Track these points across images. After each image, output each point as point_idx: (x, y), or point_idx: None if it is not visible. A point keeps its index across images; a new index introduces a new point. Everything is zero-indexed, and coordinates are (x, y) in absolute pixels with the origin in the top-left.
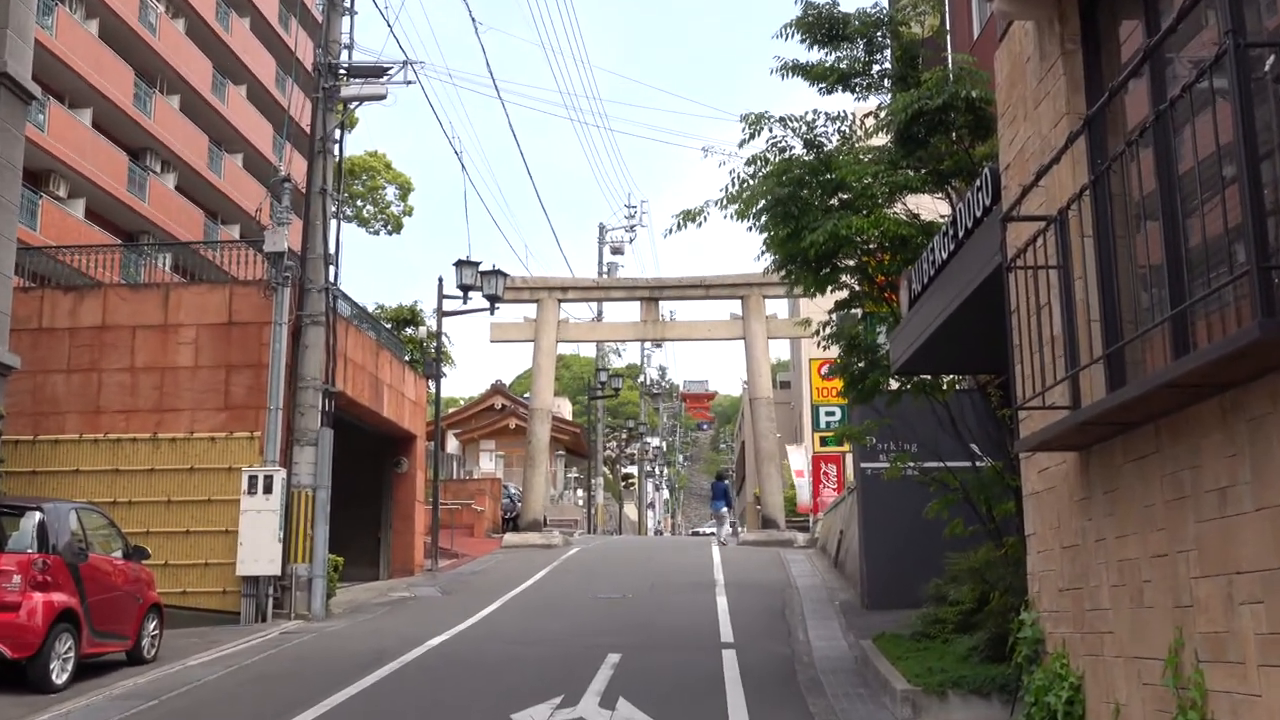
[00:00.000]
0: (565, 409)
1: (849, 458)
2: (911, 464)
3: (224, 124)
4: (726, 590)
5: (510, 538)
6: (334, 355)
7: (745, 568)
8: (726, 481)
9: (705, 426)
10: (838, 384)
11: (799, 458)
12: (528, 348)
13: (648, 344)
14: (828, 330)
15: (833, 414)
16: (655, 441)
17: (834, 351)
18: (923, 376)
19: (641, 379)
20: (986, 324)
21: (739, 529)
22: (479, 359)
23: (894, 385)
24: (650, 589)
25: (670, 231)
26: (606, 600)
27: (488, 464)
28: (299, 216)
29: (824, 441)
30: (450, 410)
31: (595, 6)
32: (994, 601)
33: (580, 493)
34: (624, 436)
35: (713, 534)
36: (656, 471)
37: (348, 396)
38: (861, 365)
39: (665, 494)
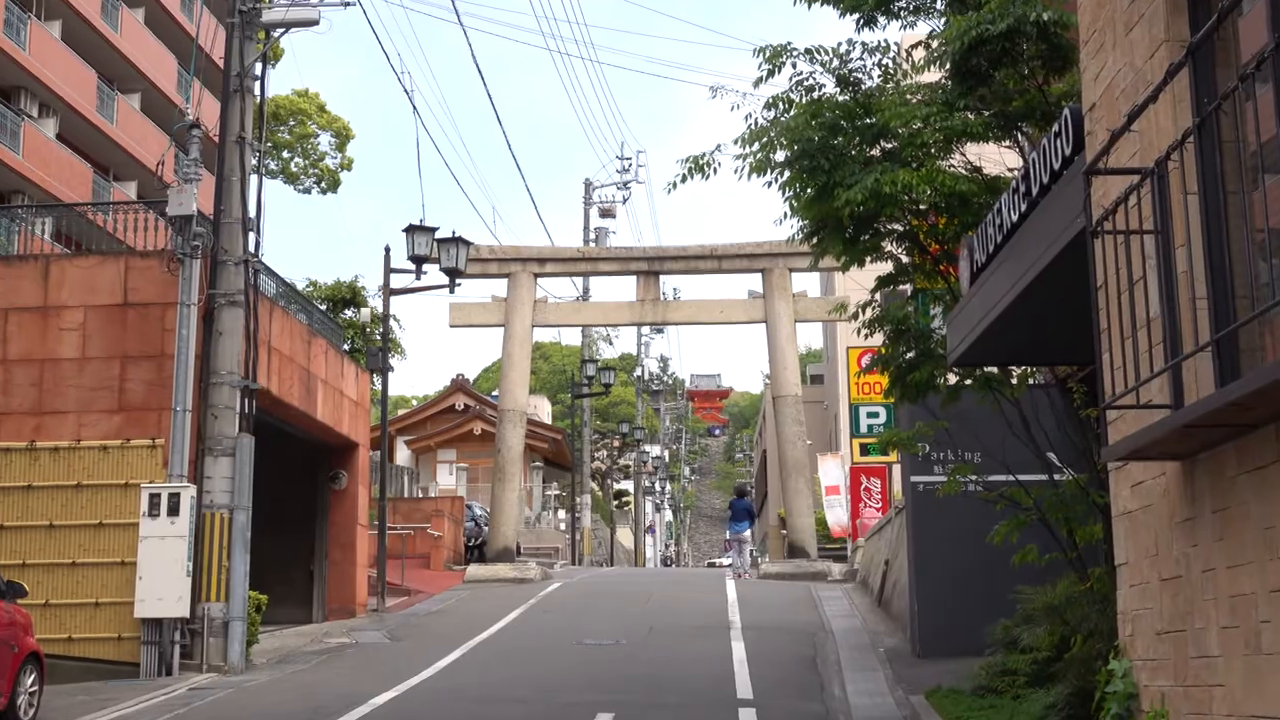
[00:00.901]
0: (543, 410)
1: (896, 470)
2: (973, 477)
3: (117, 56)
4: (744, 634)
5: (475, 570)
6: (255, 344)
7: (768, 606)
8: (749, 498)
9: (717, 431)
10: (882, 379)
11: (834, 470)
12: (496, 334)
13: (646, 329)
14: (869, 312)
15: (876, 416)
16: (655, 451)
17: (877, 339)
18: (988, 369)
19: (638, 373)
20: (1067, 303)
21: (759, 558)
22: (436, 349)
23: (952, 380)
24: (649, 633)
25: (673, 186)
26: (595, 648)
27: (447, 479)
28: (211, 172)
29: (865, 450)
30: (401, 412)
31: None
32: (1076, 647)
33: (562, 514)
34: (616, 445)
35: (731, 565)
36: (657, 488)
37: (273, 395)
38: (911, 355)
39: (668, 515)
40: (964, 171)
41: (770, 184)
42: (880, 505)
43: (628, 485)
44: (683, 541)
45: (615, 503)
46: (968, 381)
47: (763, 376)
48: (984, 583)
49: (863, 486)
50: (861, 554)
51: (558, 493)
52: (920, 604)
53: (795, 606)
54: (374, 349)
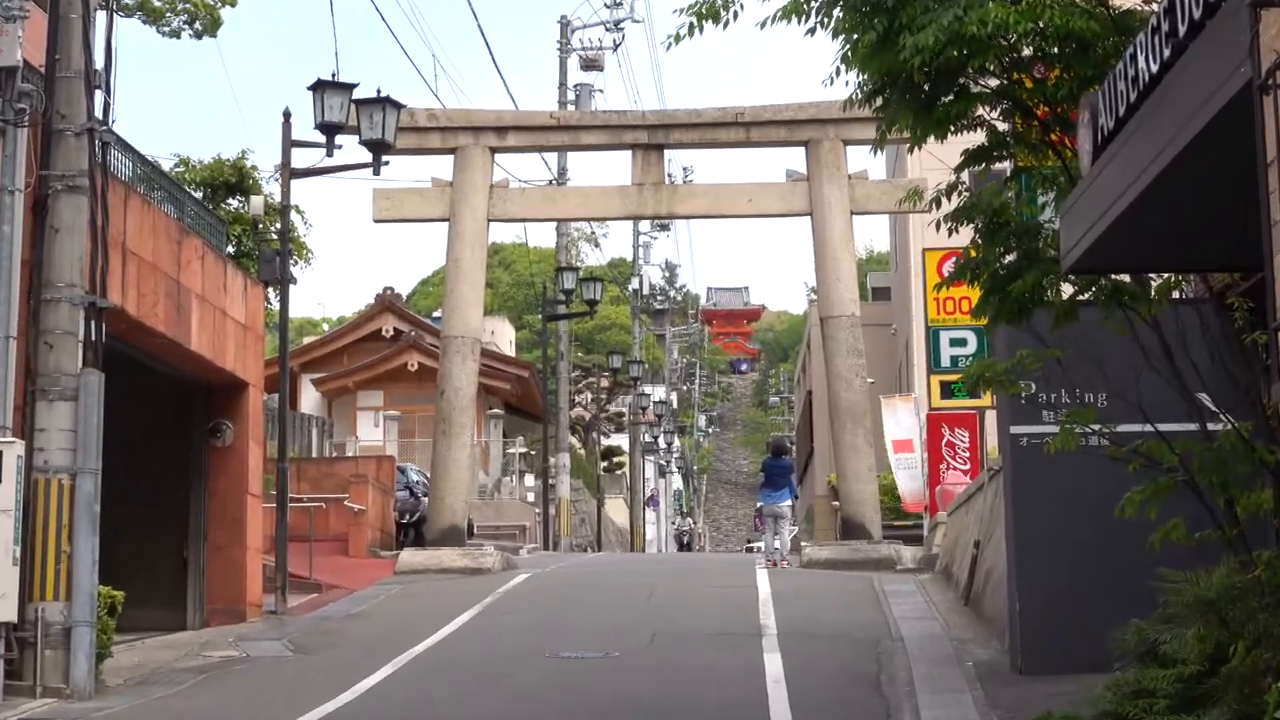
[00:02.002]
0: (504, 337)
1: (990, 418)
2: (1097, 427)
3: None
4: (781, 644)
5: (410, 557)
6: (105, 245)
7: (814, 605)
8: (788, 457)
9: (744, 366)
10: (972, 292)
11: (905, 419)
12: (439, 231)
13: (645, 224)
14: (954, 200)
15: (963, 343)
16: (659, 394)
17: (965, 237)
18: (1116, 277)
19: (635, 285)
20: (1225, 186)
21: (801, 540)
22: (357, 254)
23: (1067, 292)
24: (651, 642)
25: (675, 41)
26: (575, 662)
27: (372, 432)
28: (42, 7)
29: (948, 391)
30: (308, 340)
31: None
32: (1237, 658)
33: (531, 481)
34: (605, 385)
35: (775, 548)
36: (661, 444)
37: (130, 316)
38: (1012, 259)
39: (676, 481)
40: (1082, 3)
41: (813, 30)
42: (968, 467)
43: (621, 441)
44: (696, 516)
45: (604, 464)
46: (1089, 295)
47: (806, 291)
48: (1110, 571)
49: (944, 441)
50: (943, 533)
51: (525, 451)
52: (1023, 601)
53: (851, 605)
54: (269, 253)
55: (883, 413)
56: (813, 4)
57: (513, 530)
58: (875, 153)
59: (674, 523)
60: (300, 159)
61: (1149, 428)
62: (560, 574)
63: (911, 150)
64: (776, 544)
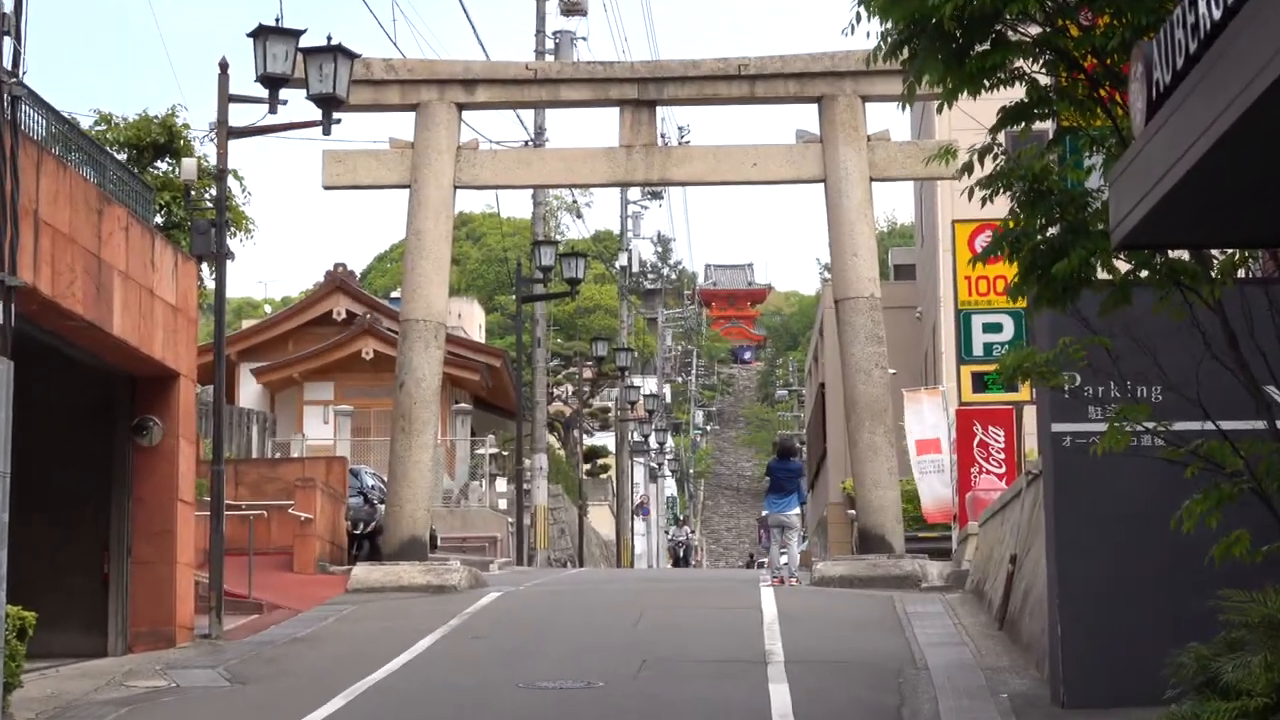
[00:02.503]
0: (473, 321)
1: (1029, 414)
2: (1150, 425)
3: None
4: (789, 672)
5: (365, 573)
6: (14, 214)
7: (826, 629)
8: (798, 459)
9: (748, 355)
10: (1008, 270)
11: (931, 416)
12: (399, 200)
13: (635, 192)
14: (989, 164)
15: (998, 329)
16: (650, 386)
17: (1001, 207)
18: (1174, 254)
19: (623, 262)
20: None
21: (812, 554)
22: (304, 225)
23: (1119, 269)
24: (640, 671)
25: None
26: (553, 695)
27: (321, 429)
28: None
29: (981, 384)
30: (248, 324)
31: None
32: None
33: (503, 486)
34: (588, 376)
35: (782, 563)
36: (653, 444)
37: (43, 296)
38: (1055, 231)
39: (669, 486)
40: None
41: None
42: (1003, 470)
43: (606, 440)
44: (692, 526)
45: (586, 467)
46: (1143, 273)
47: (819, 269)
48: (1165, 590)
49: (976, 441)
50: (974, 547)
51: (496, 452)
52: (1065, 624)
53: (869, 629)
54: (203, 224)
55: (906, 409)
56: None
57: (482, 542)
58: (903, 108)
59: (668, 533)
60: (239, 116)
61: (1210, 426)
62: (536, 592)
63: (941, 109)
64: (784, 558)
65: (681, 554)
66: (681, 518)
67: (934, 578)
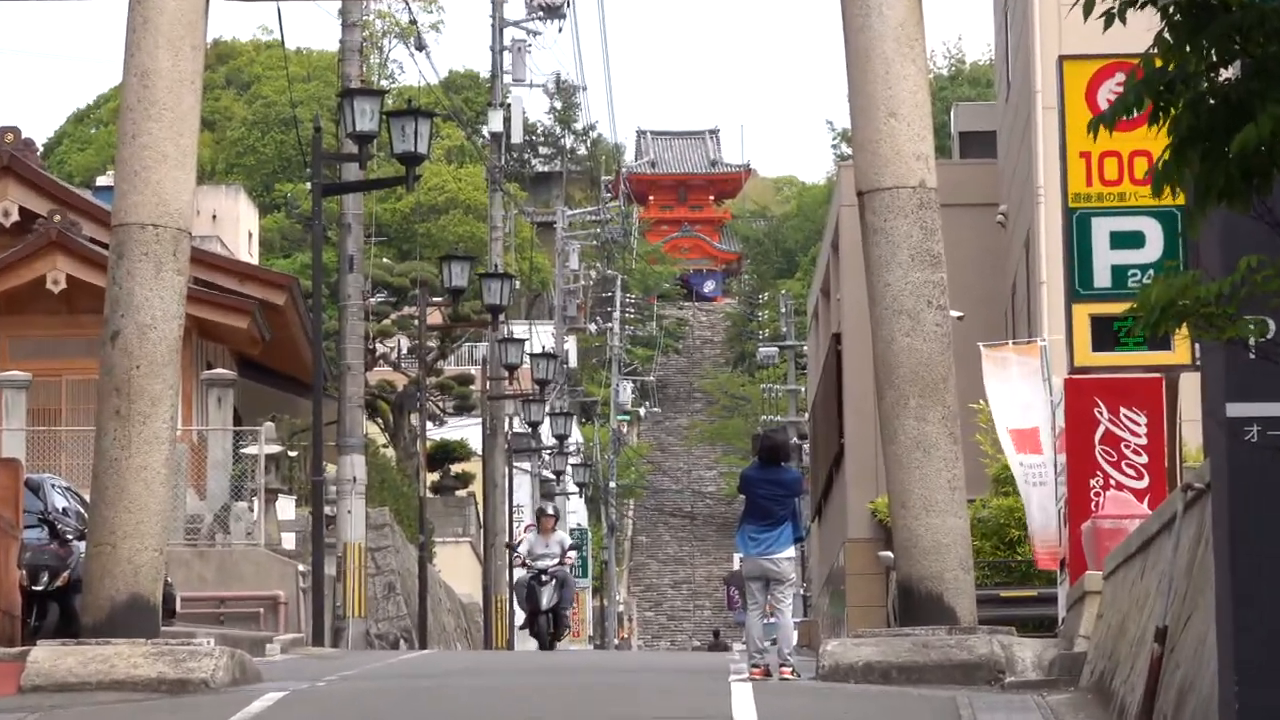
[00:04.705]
0: (238, 226)
1: (1188, 385)
2: None
3: None
4: None
5: (51, 659)
6: None
7: None
8: (792, 466)
9: (710, 285)
10: (1154, 142)
11: (1025, 388)
12: (112, 25)
13: (518, 7)
14: None
15: (1136, 240)
16: (542, 339)
17: (1138, 35)
18: None
19: (496, 126)
20: None
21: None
22: None
23: None
24: None
25: None
26: None
27: None
28: None
29: (1108, 335)
30: None
31: None
32: None
33: (292, 508)
34: (437, 322)
35: (767, 643)
36: (545, 438)
37: None
38: (1232, 79)
39: (575, 509)
40: None
41: None
42: (1146, 482)
43: (468, 431)
44: (613, 586)
45: (433, 478)
46: None
47: (832, 139)
48: None
49: (1099, 432)
50: (1095, 611)
51: (278, 452)
52: None
53: None
54: None
55: (985, 377)
56: None
57: (255, 606)
58: None
59: (513, 548)
60: None
61: None
62: (344, 695)
63: None
64: (769, 642)
65: (546, 606)
66: (550, 511)
67: (1027, 666)
